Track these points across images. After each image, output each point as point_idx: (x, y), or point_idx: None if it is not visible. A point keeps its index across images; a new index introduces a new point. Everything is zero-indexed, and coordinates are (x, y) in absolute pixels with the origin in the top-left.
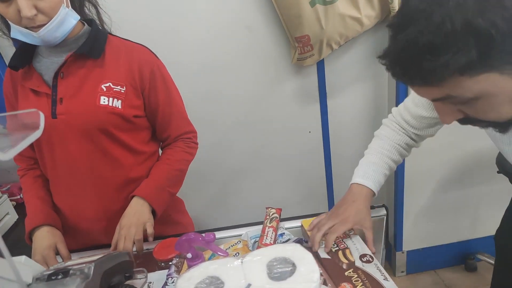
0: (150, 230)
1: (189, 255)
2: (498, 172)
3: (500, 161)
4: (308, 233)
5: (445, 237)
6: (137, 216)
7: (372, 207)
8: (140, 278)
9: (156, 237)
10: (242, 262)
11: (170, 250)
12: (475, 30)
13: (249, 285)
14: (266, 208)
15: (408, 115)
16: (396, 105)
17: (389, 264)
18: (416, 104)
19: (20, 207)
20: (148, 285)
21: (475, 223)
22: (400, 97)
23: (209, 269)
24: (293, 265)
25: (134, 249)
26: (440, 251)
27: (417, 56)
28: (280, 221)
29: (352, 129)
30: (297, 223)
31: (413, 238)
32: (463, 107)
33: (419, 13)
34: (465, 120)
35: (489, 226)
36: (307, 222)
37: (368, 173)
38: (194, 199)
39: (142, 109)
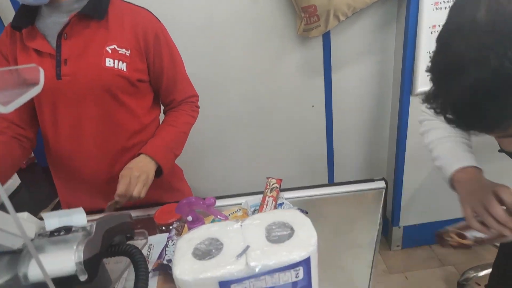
0: (143, 193)
1: (189, 218)
2: (499, 150)
3: None
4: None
5: (441, 213)
6: (143, 169)
7: (371, 180)
8: (140, 239)
9: (156, 204)
10: (241, 225)
11: (170, 215)
12: None
13: (248, 246)
14: (267, 178)
15: None
16: (402, 81)
17: (385, 239)
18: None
19: (23, 173)
20: (149, 247)
21: None
22: (406, 72)
23: (210, 231)
24: (292, 229)
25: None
26: (436, 227)
27: (476, 107)
28: (280, 191)
29: (356, 104)
30: (296, 193)
31: (410, 213)
32: None
33: (471, 62)
34: None
35: None
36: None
37: (466, 156)
38: (194, 169)
39: (146, 73)
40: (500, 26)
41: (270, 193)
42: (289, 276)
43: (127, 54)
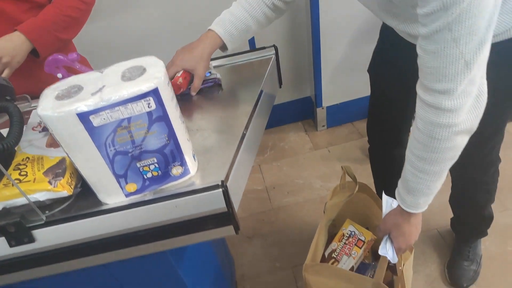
0: (6, 73)
1: (59, 75)
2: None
3: None
4: None
5: (360, 91)
6: (10, 53)
7: (263, 48)
8: (23, 103)
9: None
10: (102, 72)
11: None
12: None
13: (104, 86)
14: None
15: None
16: None
17: (312, 121)
18: None
19: None
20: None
21: None
22: None
23: (73, 80)
24: (144, 69)
25: None
26: (356, 104)
27: None
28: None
29: None
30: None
31: (332, 94)
32: None
33: None
34: None
35: None
36: None
37: (222, 20)
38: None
39: None
40: None
41: None
42: (142, 107)
43: None
